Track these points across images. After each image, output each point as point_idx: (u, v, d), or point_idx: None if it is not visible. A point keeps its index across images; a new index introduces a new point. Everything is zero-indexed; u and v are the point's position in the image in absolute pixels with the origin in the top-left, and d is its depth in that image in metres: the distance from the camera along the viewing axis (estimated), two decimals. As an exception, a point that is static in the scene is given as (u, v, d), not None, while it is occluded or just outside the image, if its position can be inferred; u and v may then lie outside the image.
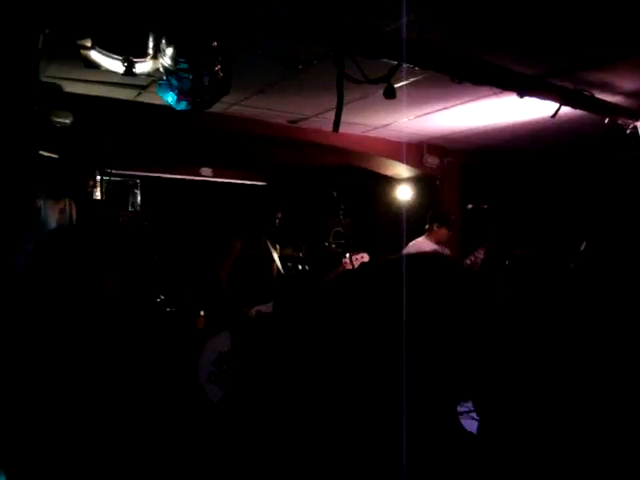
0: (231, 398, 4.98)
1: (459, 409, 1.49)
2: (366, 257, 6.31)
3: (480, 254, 6.50)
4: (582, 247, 2.84)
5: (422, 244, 6.44)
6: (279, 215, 5.81)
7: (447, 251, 5.89)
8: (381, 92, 3.93)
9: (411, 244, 6.56)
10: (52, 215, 4.59)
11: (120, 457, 1.93)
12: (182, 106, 3.13)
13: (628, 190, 7.25)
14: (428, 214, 6.66)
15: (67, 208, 4.81)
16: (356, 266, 6.17)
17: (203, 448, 4.04)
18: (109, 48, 2.69)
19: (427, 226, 6.57)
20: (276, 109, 6.22)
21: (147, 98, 5.62)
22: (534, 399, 1.79)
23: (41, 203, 4.42)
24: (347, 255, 6.26)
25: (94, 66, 2.79)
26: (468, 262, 6.50)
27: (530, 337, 2.04)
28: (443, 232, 6.50)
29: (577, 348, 1.91)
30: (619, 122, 5.57)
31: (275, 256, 5.93)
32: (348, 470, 1.22)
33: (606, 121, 5.46)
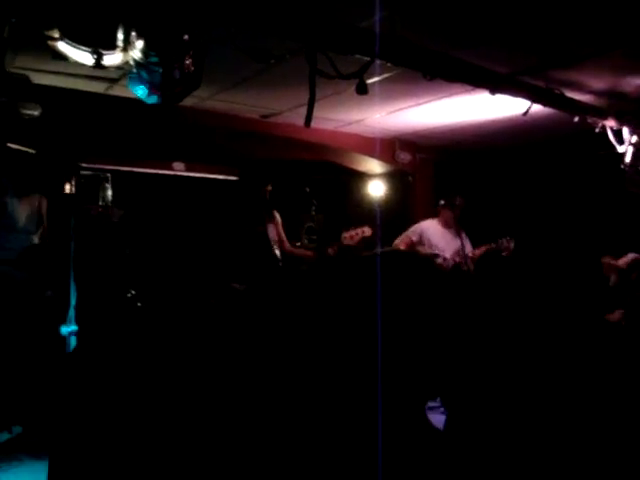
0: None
1: (429, 404, 1.49)
2: (367, 231, 6.08)
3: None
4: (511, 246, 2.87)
5: (428, 224, 6.79)
6: (269, 188, 5.71)
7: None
8: (354, 88, 3.93)
9: (418, 224, 6.84)
10: (22, 210, 4.52)
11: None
12: (153, 100, 3.10)
13: (594, 189, 7.36)
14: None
15: (37, 203, 4.75)
16: (357, 241, 5.99)
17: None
18: (77, 40, 2.64)
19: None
20: (249, 104, 6.19)
21: (118, 91, 5.55)
22: (500, 393, 1.81)
23: (7, 198, 4.35)
24: (347, 230, 6.07)
25: (62, 57, 2.74)
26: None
27: (496, 331, 2.06)
28: (448, 214, 6.65)
29: (532, 341, 1.94)
30: (588, 121, 5.63)
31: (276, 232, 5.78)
32: (321, 463, 1.23)
33: (576, 119, 5.51)
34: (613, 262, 4.38)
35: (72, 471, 1.67)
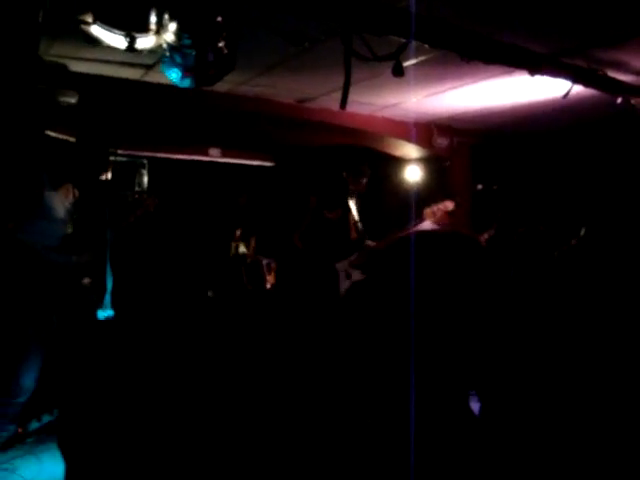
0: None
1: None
2: (450, 205, 5.97)
3: (484, 236, 6.40)
4: (582, 232, 2.79)
5: (424, 226, 6.38)
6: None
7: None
8: (390, 71, 3.88)
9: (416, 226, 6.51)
10: (57, 201, 4.56)
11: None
12: (186, 83, 3.08)
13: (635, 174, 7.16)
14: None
15: (70, 193, 4.80)
16: (439, 216, 5.89)
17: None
18: (110, 23, 2.64)
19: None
20: (284, 88, 6.15)
21: (154, 77, 5.56)
22: (536, 385, 1.77)
23: (46, 191, 4.41)
24: (429, 205, 5.97)
25: (95, 42, 2.74)
26: None
27: (532, 322, 2.01)
28: (442, 214, 6.39)
29: (574, 336, 1.89)
30: (632, 102, 5.47)
31: (355, 217, 5.75)
32: (357, 455, 1.21)
33: (619, 101, 5.36)
34: None
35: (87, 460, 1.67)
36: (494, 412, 1.69)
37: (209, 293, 6.47)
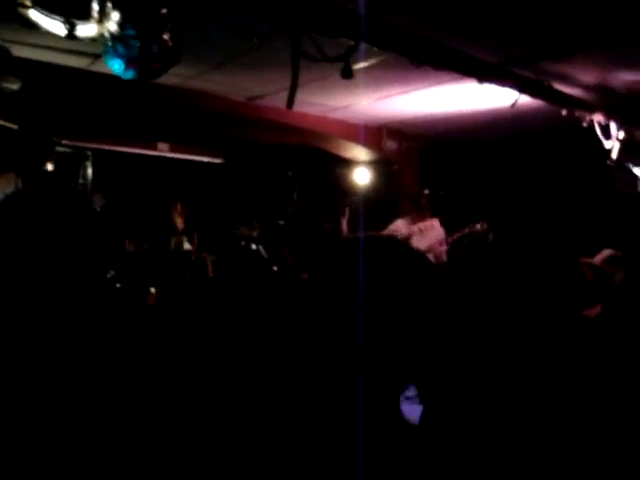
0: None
1: (406, 395, 1.46)
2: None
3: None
4: (490, 237, 2.85)
5: (398, 224, 6.49)
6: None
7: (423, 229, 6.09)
8: (339, 73, 3.86)
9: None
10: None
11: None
12: (129, 75, 3.01)
13: (580, 184, 7.33)
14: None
15: (13, 181, 4.65)
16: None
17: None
18: (49, 8, 2.56)
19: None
20: (234, 85, 6.10)
21: (101, 67, 5.43)
22: (478, 387, 1.78)
23: None
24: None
25: (33, 26, 2.65)
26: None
27: (474, 323, 2.03)
28: (413, 214, 6.52)
29: (506, 335, 1.92)
30: (576, 114, 5.60)
31: None
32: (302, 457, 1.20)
33: (564, 113, 5.47)
34: (589, 260, 4.36)
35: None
36: (436, 416, 1.69)
37: (152, 290, 6.36)
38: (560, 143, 7.15)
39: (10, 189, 4.60)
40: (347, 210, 5.92)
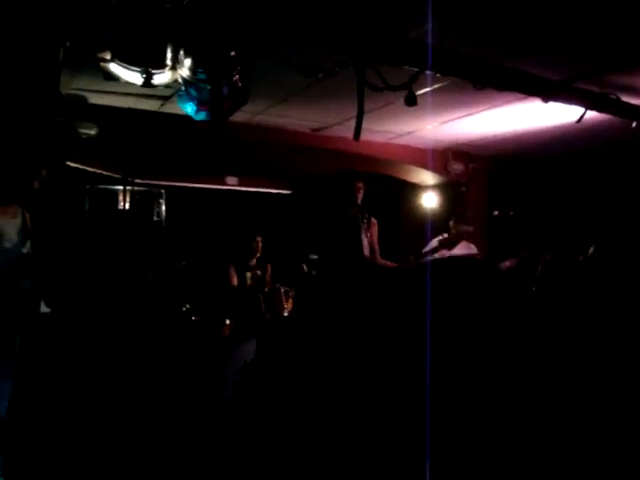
0: (253, 406, 4.97)
1: None
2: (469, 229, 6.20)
3: (506, 264, 6.35)
4: (590, 251, 2.83)
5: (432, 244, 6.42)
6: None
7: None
8: (403, 99, 3.92)
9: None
10: (3, 222, 4.18)
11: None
12: (201, 116, 3.14)
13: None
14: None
15: (19, 215, 4.37)
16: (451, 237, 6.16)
17: (225, 453, 4.04)
18: (128, 60, 2.70)
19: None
20: (299, 117, 6.23)
21: (171, 109, 5.66)
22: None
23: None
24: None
25: (113, 78, 2.81)
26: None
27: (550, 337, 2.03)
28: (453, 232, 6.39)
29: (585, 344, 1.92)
30: (648, 126, 5.46)
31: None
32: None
33: (633, 125, 5.35)
34: None
35: None
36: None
37: (227, 321, 6.47)
38: (631, 156, 6.98)
39: (17, 221, 4.35)
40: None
